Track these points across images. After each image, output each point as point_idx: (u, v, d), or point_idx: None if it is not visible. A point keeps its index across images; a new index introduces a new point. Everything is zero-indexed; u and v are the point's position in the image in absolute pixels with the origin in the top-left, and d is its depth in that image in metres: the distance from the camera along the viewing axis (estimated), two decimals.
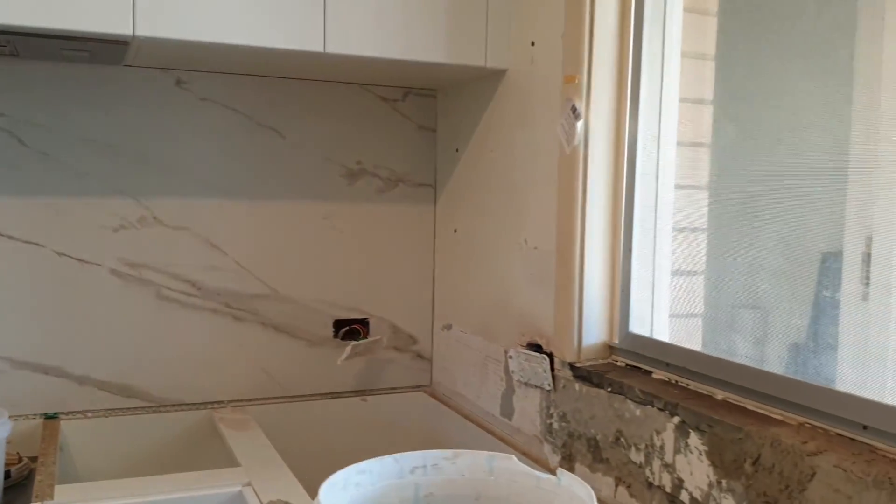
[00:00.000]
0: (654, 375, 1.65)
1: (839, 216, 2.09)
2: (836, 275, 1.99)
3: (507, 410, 2.07)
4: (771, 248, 2.00)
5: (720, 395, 1.48)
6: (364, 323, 2.52)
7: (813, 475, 1.21)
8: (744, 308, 1.98)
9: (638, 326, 1.76)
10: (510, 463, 1.14)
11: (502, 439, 2.08)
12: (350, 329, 2.50)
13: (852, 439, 1.22)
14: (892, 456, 1.15)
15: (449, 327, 2.45)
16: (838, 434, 1.24)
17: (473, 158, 2.28)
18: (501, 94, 2.10)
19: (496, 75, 2.11)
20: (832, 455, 1.19)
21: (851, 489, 1.15)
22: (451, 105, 2.41)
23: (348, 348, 2.40)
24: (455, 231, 2.41)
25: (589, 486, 1.01)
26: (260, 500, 1.57)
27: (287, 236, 2.38)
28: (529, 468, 1.13)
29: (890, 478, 1.10)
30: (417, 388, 2.58)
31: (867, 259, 2.07)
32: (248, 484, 1.65)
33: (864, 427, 1.20)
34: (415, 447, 1.47)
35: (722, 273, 1.99)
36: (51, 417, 2.13)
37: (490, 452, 1.22)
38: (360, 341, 2.45)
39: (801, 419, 1.31)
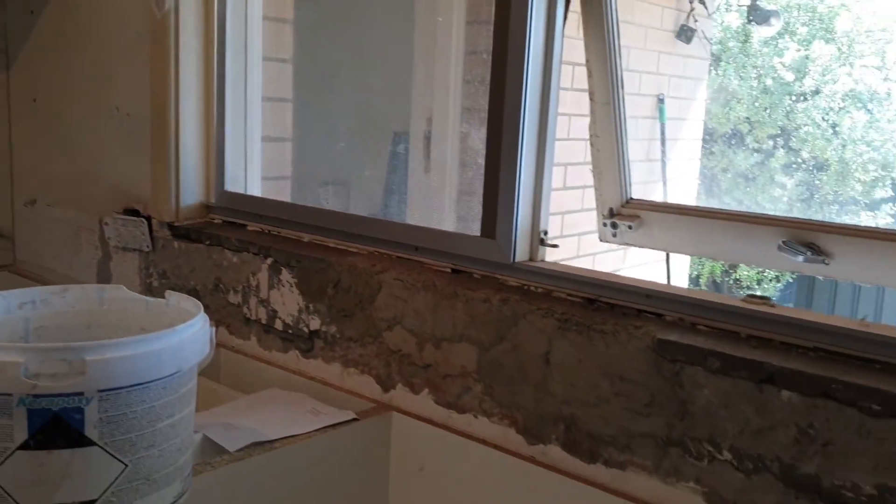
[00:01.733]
0: (249, 228, 1.83)
1: (406, 100, 2.44)
2: (405, 150, 2.34)
3: (105, 277, 2.10)
4: (349, 121, 2.28)
5: (307, 237, 1.71)
6: None
7: (380, 288, 1.50)
8: (327, 170, 2.24)
9: (233, 186, 1.91)
10: (120, 292, 1.24)
11: None
12: None
13: (408, 259, 1.53)
14: (435, 267, 1.48)
15: (33, 202, 2.36)
16: (398, 256, 1.55)
17: (54, 21, 2.18)
18: None
19: None
20: (393, 272, 1.49)
21: (407, 294, 1.46)
22: None
23: None
24: (35, 101, 2.29)
25: (197, 301, 1.16)
26: None
27: None
28: (139, 295, 1.24)
29: (433, 282, 1.43)
30: (1, 268, 2.45)
31: (428, 137, 2.46)
32: None
33: (416, 248, 1.52)
34: None
35: (306, 140, 2.22)
36: None
37: (100, 285, 1.30)
38: None
39: (371, 249, 1.59)
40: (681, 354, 1.13)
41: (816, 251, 1.32)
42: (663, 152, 4.11)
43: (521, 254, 1.39)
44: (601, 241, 1.61)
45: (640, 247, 1.59)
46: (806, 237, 1.32)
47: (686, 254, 1.50)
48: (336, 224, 1.66)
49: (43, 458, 0.93)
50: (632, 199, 1.56)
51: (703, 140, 5.08)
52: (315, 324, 1.61)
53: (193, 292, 1.85)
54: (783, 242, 1.35)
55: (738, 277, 6.63)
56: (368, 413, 1.46)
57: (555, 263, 1.40)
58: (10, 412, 0.91)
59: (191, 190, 1.91)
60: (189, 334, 1.04)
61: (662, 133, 4.10)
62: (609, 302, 1.28)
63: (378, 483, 1.47)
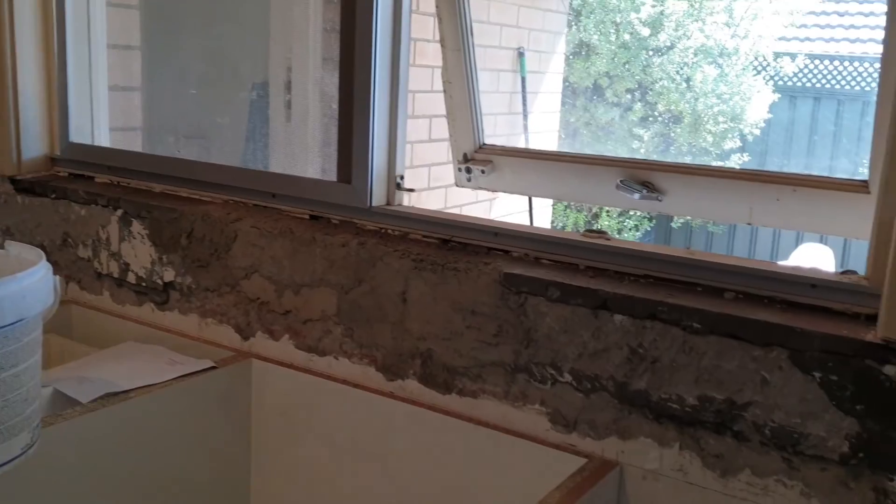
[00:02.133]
0: (97, 179, 1.77)
1: (264, 49, 2.39)
2: (265, 99, 2.30)
3: None
4: (203, 69, 2.21)
5: (158, 188, 1.67)
6: None
7: (235, 237, 1.49)
8: (183, 121, 2.17)
9: (78, 137, 1.83)
10: None
11: None
12: None
13: (265, 206, 1.53)
14: (293, 214, 1.48)
15: None
16: (255, 204, 1.54)
17: None
18: None
19: None
20: (249, 220, 1.49)
21: (264, 241, 1.46)
22: None
23: None
24: None
25: (40, 250, 1.13)
26: None
27: None
28: None
29: (290, 228, 1.44)
30: None
31: (289, 86, 2.42)
32: None
33: (273, 195, 1.52)
34: None
35: (158, 89, 2.15)
36: None
37: None
38: None
39: (227, 197, 1.57)
40: (525, 286, 1.19)
41: (651, 189, 1.41)
42: (524, 105, 4.21)
43: (378, 198, 1.42)
44: (458, 185, 1.66)
45: (493, 190, 1.65)
46: (641, 176, 1.41)
47: (536, 196, 1.57)
48: (188, 173, 1.63)
49: None
50: (485, 144, 1.61)
51: (565, 94, 5.23)
52: (169, 275, 1.58)
53: (42, 248, 1.78)
54: (621, 181, 1.43)
55: (599, 228, 6.91)
56: (227, 361, 1.46)
57: (411, 207, 1.43)
58: None
59: (33, 142, 1.82)
60: (31, 282, 1.01)
61: (523, 86, 4.20)
62: (461, 241, 1.32)
63: (241, 430, 1.48)
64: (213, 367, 1.42)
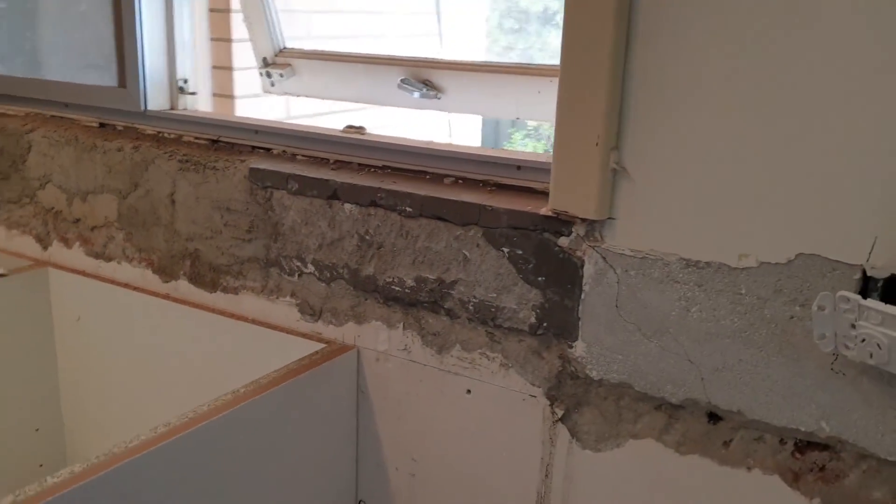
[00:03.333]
0: None
1: None
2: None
3: None
4: None
5: None
6: None
7: (30, 147, 1.50)
8: None
9: None
10: None
11: None
12: None
13: (60, 116, 1.53)
14: (83, 123, 1.49)
15: None
16: (52, 115, 1.54)
17: None
18: None
19: None
20: (42, 129, 1.49)
21: (54, 150, 1.47)
22: None
23: None
24: None
25: None
26: None
27: None
28: None
29: (76, 136, 1.45)
30: None
31: None
32: None
33: (66, 105, 1.52)
34: None
35: None
36: None
37: None
38: None
39: (28, 110, 1.57)
40: (269, 180, 1.21)
41: (430, 87, 1.42)
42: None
43: (158, 102, 1.42)
44: (264, 91, 1.66)
45: (295, 95, 1.65)
46: (421, 74, 1.42)
47: (331, 98, 1.57)
48: None
49: None
50: (284, 48, 1.61)
51: None
52: None
53: None
54: (402, 80, 1.44)
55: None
56: (21, 270, 1.48)
57: (188, 110, 1.44)
58: None
59: None
60: None
61: None
62: (229, 141, 1.34)
63: (43, 336, 1.51)
64: (2, 275, 1.44)
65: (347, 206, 1.15)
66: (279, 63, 1.60)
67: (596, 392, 1.00)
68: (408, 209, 1.09)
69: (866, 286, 0.82)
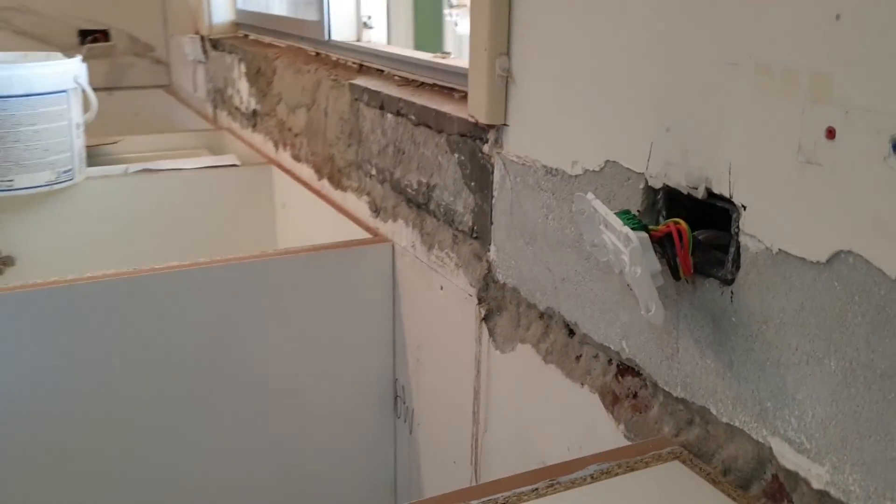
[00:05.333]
0: (250, 37, 2.32)
1: None
2: None
3: (194, 87, 2.75)
4: None
5: (266, 39, 2.16)
6: (105, 33, 3.11)
7: (275, 71, 1.92)
8: None
9: (245, 5, 2.39)
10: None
11: (197, 110, 2.76)
12: (94, 38, 3.09)
13: (295, 47, 1.92)
14: (304, 51, 1.86)
15: (171, 36, 3.07)
16: (287, 45, 1.94)
17: None
18: None
19: None
20: (283, 57, 1.90)
21: (285, 73, 1.87)
22: None
23: None
24: None
25: (58, 53, 1.70)
26: None
27: None
28: None
29: (293, 62, 1.82)
30: (158, 87, 3.23)
31: None
32: None
33: (294, 36, 1.90)
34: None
35: None
36: None
37: None
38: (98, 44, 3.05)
39: (288, 43, 2.00)
40: (356, 94, 1.43)
41: None
42: None
43: (345, 34, 1.72)
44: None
45: None
46: None
47: None
48: (275, 25, 2.08)
49: None
50: None
51: None
52: (255, 104, 2.08)
53: (220, 93, 2.42)
54: None
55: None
56: (254, 164, 1.92)
57: (362, 42, 1.71)
58: None
59: (221, 9, 2.44)
60: (37, 71, 1.58)
61: None
62: (368, 65, 1.58)
63: (267, 218, 1.94)
64: (234, 165, 1.89)
65: (388, 115, 1.32)
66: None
67: (508, 297, 1.05)
68: (411, 117, 1.23)
69: (656, 196, 0.76)
